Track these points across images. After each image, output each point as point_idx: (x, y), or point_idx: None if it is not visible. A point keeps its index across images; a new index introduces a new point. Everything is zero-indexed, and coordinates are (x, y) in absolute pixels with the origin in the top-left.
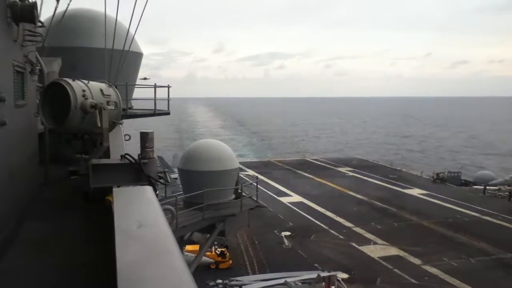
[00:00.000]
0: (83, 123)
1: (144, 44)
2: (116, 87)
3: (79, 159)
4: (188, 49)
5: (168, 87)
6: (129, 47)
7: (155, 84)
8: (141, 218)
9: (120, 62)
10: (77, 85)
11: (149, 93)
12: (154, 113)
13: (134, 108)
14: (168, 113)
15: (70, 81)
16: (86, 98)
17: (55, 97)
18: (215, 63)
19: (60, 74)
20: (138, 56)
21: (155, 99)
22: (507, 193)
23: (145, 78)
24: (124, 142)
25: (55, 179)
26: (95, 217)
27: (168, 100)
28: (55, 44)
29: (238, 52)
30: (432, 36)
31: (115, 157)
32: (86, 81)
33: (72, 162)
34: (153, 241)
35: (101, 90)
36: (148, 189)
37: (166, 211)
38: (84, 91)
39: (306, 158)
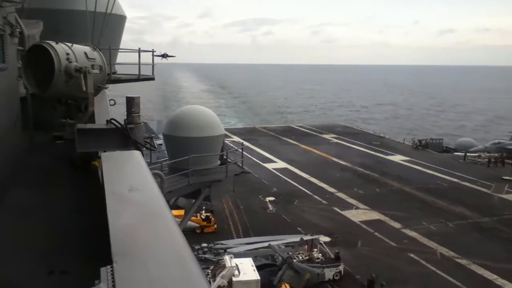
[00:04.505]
0: (67, 87)
1: (127, 8)
2: (100, 51)
3: (63, 124)
4: (173, 13)
5: (153, 51)
6: (112, 9)
7: (139, 48)
8: (132, 182)
9: (103, 25)
10: (61, 48)
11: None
12: (139, 78)
13: (118, 73)
14: (153, 79)
15: (53, 43)
16: (70, 62)
17: (38, 61)
18: (201, 29)
19: (41, 37)
20: (122, 19)
21: (139, 64)
22: (486, 160)
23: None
24: (109, 107)
25: (39, 145)
26: (82, 183)
27: (153, 65)
28: (35, 6)
29: (224, 17)
30: (420, 3)
31: (100, 122)
32: (69, 44)
33: (56, 127)
34: (146, 205)
35: (86, 54)
36: (137, 153)
37: (155, 175)
38: (68, 54)
39: (291, 125)
